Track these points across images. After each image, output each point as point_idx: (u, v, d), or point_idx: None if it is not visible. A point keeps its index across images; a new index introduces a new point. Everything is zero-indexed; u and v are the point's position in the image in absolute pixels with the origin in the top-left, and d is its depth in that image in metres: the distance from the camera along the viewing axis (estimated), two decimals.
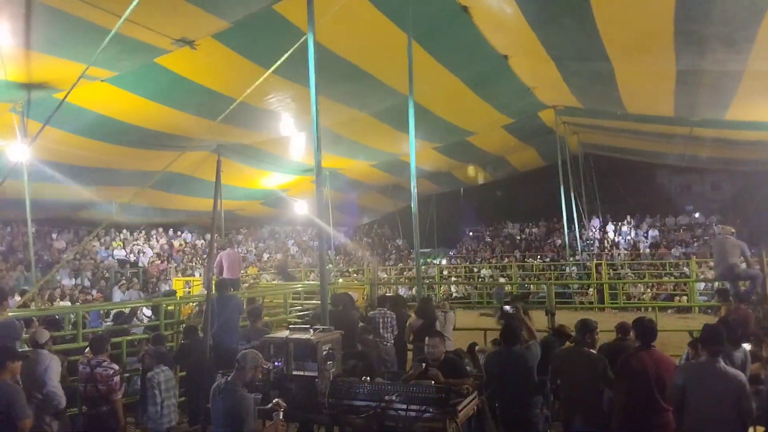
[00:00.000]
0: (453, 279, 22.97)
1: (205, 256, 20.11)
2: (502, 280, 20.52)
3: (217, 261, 11.39)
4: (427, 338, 5.56)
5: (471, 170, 24.13)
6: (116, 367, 5.88)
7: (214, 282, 8.12)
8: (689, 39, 8.56)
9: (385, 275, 22.53)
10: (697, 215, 27.75)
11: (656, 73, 10.60)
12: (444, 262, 27.29)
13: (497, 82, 13.08)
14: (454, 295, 19.09)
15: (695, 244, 23.44)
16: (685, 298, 15.30)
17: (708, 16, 7.74)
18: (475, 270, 23.77)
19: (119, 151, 12.60)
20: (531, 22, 9.28)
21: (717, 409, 4.31)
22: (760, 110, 11.56)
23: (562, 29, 9.46)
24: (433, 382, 4.85)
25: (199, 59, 9.07)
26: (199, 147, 13.42)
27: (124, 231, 20.38)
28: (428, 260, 26.34)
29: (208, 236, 21.77)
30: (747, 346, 5.65)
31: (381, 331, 7.70)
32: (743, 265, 8.99)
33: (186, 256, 21.06)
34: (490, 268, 23.50)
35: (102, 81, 9.19)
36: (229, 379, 4.42)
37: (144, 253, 19.77)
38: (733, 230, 9.66)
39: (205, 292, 7.86)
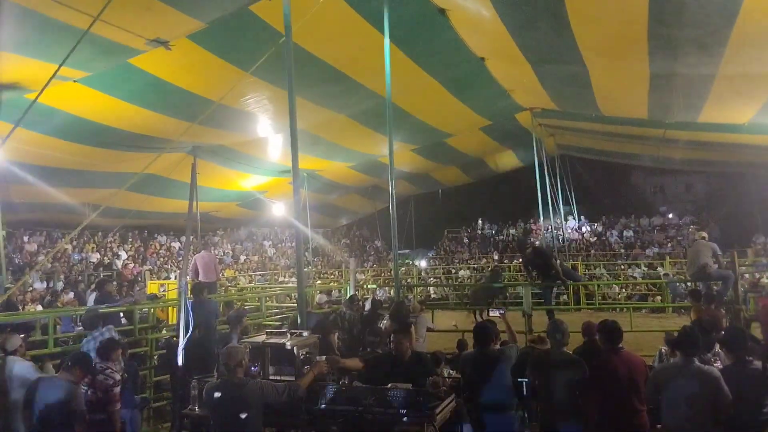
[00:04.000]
0: (431, 280, 23.02)
1: (180, 258, 19.89)
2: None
3: (192, 264, 11.26)
4: (392, 335, 5.59)
5: (449, 172, 24.21)
6: (117, 377, 5.69)
7: (189, 285, 8.03)
8: (662, 43, 8.68)
9: (363, 277, 22.51)
10: (671, 216, 28.19)
11: (630, 76, 10.73)
12: (423, 263, 27.34)
13: (475, 84, 13.13)
14: (433, 296, 19.10)
15: (669, 245, 23.81)
16: (659, 298, 15.54)
17: (681, 20, 7.83)
18: (453, 271, 23.86)
19: (93, 152, 12.39)
20: (508, 25, 9.33)
21: (694, 407, 4.43)
22: (732, 113, 11.76)
23: (538, 32, 9.53)
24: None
25: (174, 60, 8.95)
26: (175, 149, 13.26)
27: (99, 234, 20.06)
28: (406, 261, 26.36)
29: (183, 238, 21.56)
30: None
31: None
32: (715, 266, 9.15)
33: (161, 259, 20.80)
34: (468, 269, 23.61)
35: (75, 81, 9.03)
36: (224, 378, 4.34)
37: (118, 255, 19.48)
38: (705, 235, 9.84)
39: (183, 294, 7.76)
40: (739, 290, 8.67)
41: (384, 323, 7.96)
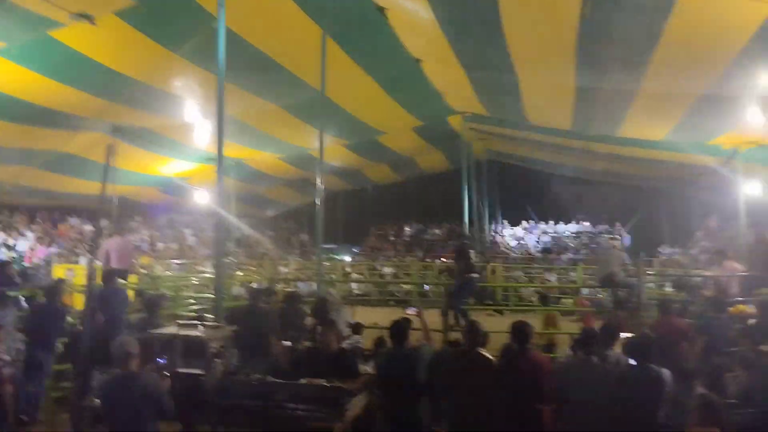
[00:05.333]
0: (355, 276, 22.99)
1: (92, 243, 18.93)
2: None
3: (103, 249, 10.71)
4: (319, 328, 5.56)
5: (380, 169, 24.28)
6: (6, 357, 5.38)
7: (99, 272, 7.66)
8: (590, 58, 9.04)
9: (286, 270, 22.22)
10: (587, 224, 29.47)
11: (557, 87, 11.12)
12: (348, 259, 27.29)
13: (409, 84, 13.23)
14: (356, 292, 19.09)
15: (582, 251, 24.87)
16: (571, 301, 16.16)
17: (609, 38, 8.19)
18: (378, 268, 23.92)
19: (4, 126, 11.61)
20: (444, 28, 9.45)
21: (595, 401, 4.65)
22: (647, 129, 12.41)
23: (473, 38, 9.72)
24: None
25: (99, 36, 8.53)
26: (94, 128, 12.63)
27: (5, 212, 18.81)
28: (332, 257, 26.23)
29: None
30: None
31: None
32: (622, 274, 9.63)
33: (71, 242, 19.72)
34: (392, 266, 23.74)
35: None
36: (125, 372, 4.12)
37: (24, 236, 18.31)
38: (616, 244, 10.33)
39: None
40: (642, 298, 9.14)
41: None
